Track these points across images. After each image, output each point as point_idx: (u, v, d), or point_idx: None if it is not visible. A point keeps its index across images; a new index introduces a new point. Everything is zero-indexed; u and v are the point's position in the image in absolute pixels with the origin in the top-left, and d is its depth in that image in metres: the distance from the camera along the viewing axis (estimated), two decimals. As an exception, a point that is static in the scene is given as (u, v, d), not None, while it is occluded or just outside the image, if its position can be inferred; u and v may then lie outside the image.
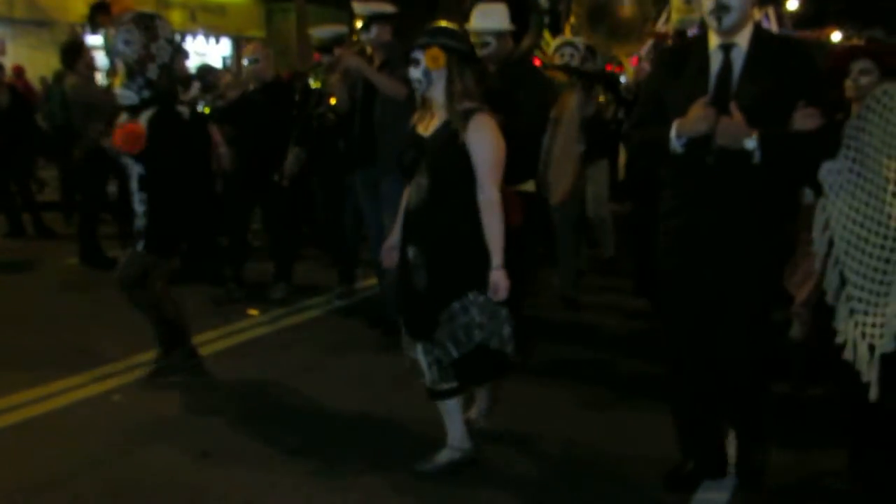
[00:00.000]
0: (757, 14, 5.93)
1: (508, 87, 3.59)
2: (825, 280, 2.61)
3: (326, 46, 4.83)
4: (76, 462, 3.00)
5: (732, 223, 2.50)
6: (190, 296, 4.75)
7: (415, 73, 2.72)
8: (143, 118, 3.53)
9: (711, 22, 2.44)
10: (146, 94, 3.53)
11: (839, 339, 2.54)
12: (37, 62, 12.68)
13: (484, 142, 2.66)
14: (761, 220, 2.52)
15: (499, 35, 3.72)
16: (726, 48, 2.47)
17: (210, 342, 4.37)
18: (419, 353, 2.80)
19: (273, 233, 5.43)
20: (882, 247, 2.45)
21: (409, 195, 2.83)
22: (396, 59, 4.01)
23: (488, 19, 3.71)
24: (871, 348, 2.46)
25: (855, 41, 3.21)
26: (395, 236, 2.94)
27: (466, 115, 2.66)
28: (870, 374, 2.46)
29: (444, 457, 2.93)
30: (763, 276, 2.57)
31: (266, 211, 5.32)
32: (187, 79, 5.13)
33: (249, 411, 3.51)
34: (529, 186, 3.78)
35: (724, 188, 2.47)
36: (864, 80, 2.97)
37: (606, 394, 3.73)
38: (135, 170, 3.60)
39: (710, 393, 2.70)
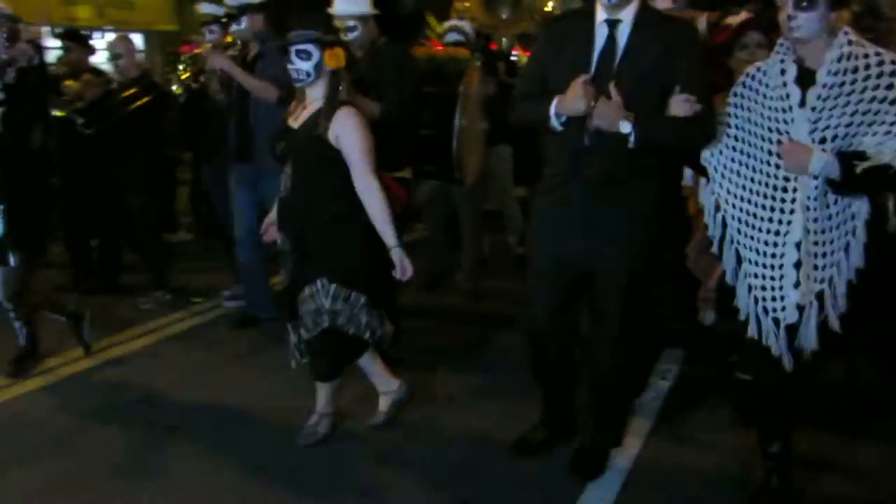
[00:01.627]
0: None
1: (375, 73, 3.47)
2: (723, 261, 2.58)
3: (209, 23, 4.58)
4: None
5: (607, 204, 2.47)
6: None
7: (303, 65, 2.69)
8: None
9: None
10: (1, 96, 3.43)
11: (741, 317, 2.54)
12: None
13: (350, 132, 2.71)
14: (638, 202, 2.48)
15: (363, 19, 3.62)
16: (611, 24, 2.40)
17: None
18: (290, 330, 2.98)
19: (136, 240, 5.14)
20: (771, 220, 2.45)
21: (283, 185, 2.87)
22: (270, 51, 3.85)
23: (352, 4, 3.60)
24: (776, 322, 2.46)
25: (744, 15, 3.20)
26: (273, 214, 3.01)
27: (333, 109, 2.71)
28: (779, 346, 2.46)
29: (382, 404, 3.19)
30: (637, 257, 2.54)
31: (139, 213, 4.94)
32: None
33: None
34: (405, 174, 3.70)
35: (600, 169, 2.43)
36: (760, 54, 2.87)
37: (501, 380, 3.65)
38: None
39: (566, 367, 2.81)
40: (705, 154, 2.54)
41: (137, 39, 16.12)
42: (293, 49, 2.69)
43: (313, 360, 2.99)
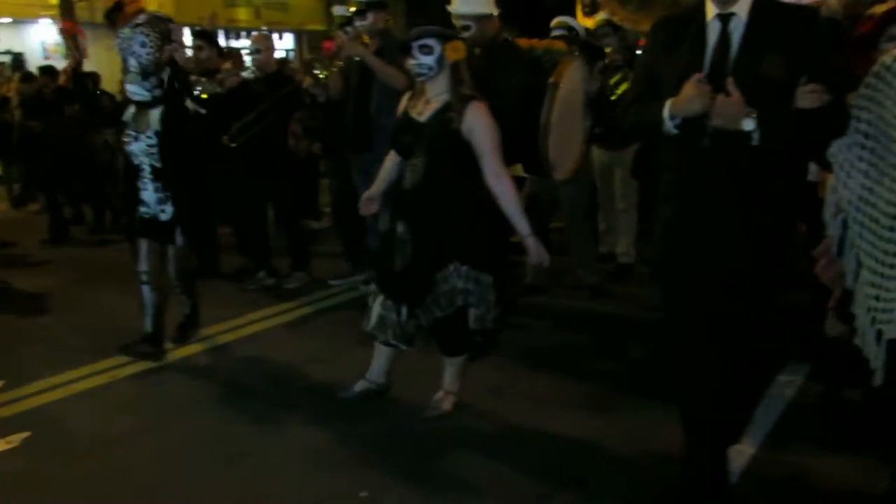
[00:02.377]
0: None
1: (490, 69, 3.51)
2: (844, 264, 2.35)
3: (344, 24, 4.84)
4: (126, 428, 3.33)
5: (730, 209, 2.28)
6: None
7: (426, 60, 2.82)
8: (154, 113, 3.76)
9: None
10: (158, 92, 3.74)
11: (856, 325, 2.31)
12: (112, 63, 13.30)
13: (483, 126, 2.82)
14: (762, 205, 2.28)
15: (479, 18, 3.66)
16: (724, 18, 2.23)
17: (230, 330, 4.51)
18: (377, 303, 3.05)
19: (284, 222, 5.41)
20: (892, 228, 2.18)
21: (404, 176, 2.98)
22: (391, 48, 3.95)
23: (470, 4, 3.64)
24: (879, 334, 2.23)
25: (890, 4, 2.81)
26: (376, 187, 3.17)
27: (464, 103, 2.81)
28: (876, 361, 2.24)
29: (359, 386, 3.35)
30: (766, 265, 2.35)
31: (275, 200, 5.29)
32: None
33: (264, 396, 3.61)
34: (516, 171, 3.72)
35: (721, 172, 2.25)
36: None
37: (614, 385, 3.57)
38: (145, 162, 3.80)
39: (711, 392, 2.45)
40: (832, 149, 2.30)
41: (289, 38, 17.22)
42: (416, 45, 2.81)
43: (444, 338, 3.15)
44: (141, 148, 3.79)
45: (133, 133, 3.81)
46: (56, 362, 4.05)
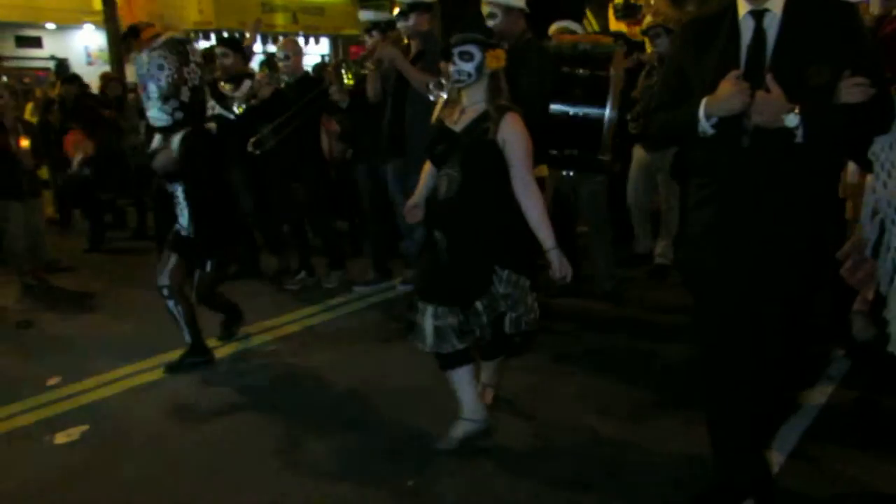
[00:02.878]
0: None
1: (515, 68, 3.41)
2: (879, 268, 2.34)
3: (370, 28, 4.88)
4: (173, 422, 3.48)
5: (772, 211, 2.19)
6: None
7: (465, 66, 2.78)
8: (176, 138, 3.77)
9: None
10: (179, 115, 3.72)
11: (890, 330, 2.31)
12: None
13: (518, 137, 2.78)
14: (805, 206, 2.19)
15: (507, 10, 3.67)
16: (757, 14, 2.17)
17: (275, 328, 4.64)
18: (427, 317, 2.89)
19: (317, 223, 5.50)
20: (932, 233, 2.15)
21: (438, 186, 2.94)
22: (433, 50, 3.96)
23: None
24: None
25: None
26: (418, 195, 3.13)
27: (500, 113, 2.78)
28: None
29: (458, 430, 3.04)
30: (808, 269, 2.25)
31: (310, 202, 5.37)
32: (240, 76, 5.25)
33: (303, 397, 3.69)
34: (542, 171, 3.73)
35: (763, 172, 2.16)
36: None
37: (639, 391, 3.58)
38: (176, 187, 3.85)
39: (745, 399, 2.38)
40: (874, 148, 2.29)
41: (325, 43, 17.40)
42: (456, 51, 2.78)
43: (491, 343, 3.06)
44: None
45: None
46: (110, 359, 4.20)
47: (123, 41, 4.27)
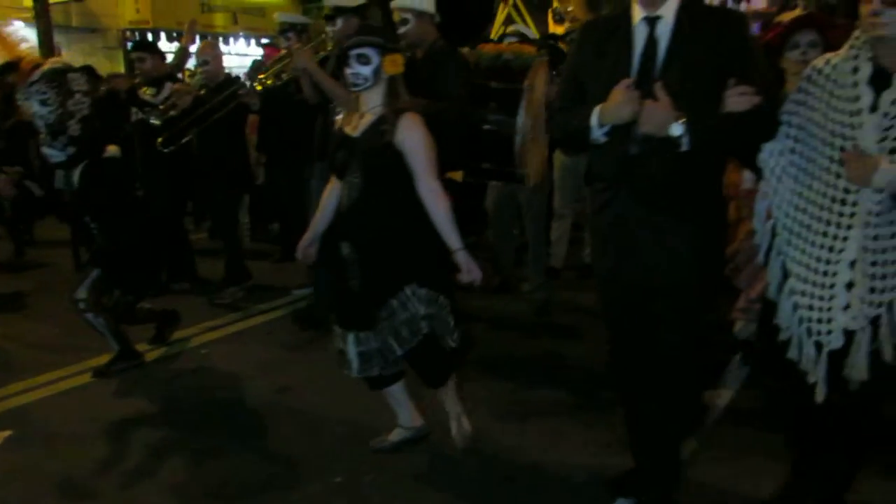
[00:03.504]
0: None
1: (429, 73, 3.53)
2: (767, 273, 2.41)
3: (286, 30, 4.82)
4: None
5: (663, 217, 2.26)
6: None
7: (362, 70, 2.68)
8: (76, 174, 3.64)
9: None
10: (71, 150, 3.55)
11: (783, 336, 2.35)
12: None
13: (416, 139, 2.68)
14: (694, 212, 2.27)
15: (419, 15, 3.68)
16: (650, 22, 2.18)
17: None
18: (350, 344, 2.83)
19: (223, 231, 5.40)
20: (825, 234, 2.24)
21: (341, 195, 2.83)
22: None
23: None
24: (818, 346, 2.27)
25: (797, 12, 2.97)
26: (312, 232, 2.99)
27: (397, 115, 2.68)
28: (817, 373, 2.27)
29: (395, 436, 3.11)
30: (699, 272, 2.31)
31: (216, 209, 5.28)
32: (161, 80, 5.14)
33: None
34: (457, 175, 3.73)
35: (651, 180, 2.23)
36: (812, 54, 2.72)
37: (555, 396, 3.61)
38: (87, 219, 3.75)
39: (649, 396, 2.48)
40: (763, 154, 2.36)
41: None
42: (353, 53, 2.68)
43: (424, 370, 2.92)
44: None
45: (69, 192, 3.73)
46: (38, 364, 4.13)
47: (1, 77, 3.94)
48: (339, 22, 4.13)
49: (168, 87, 5.00)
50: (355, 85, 2.71)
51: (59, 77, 3.47)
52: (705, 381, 3.27)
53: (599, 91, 2.21)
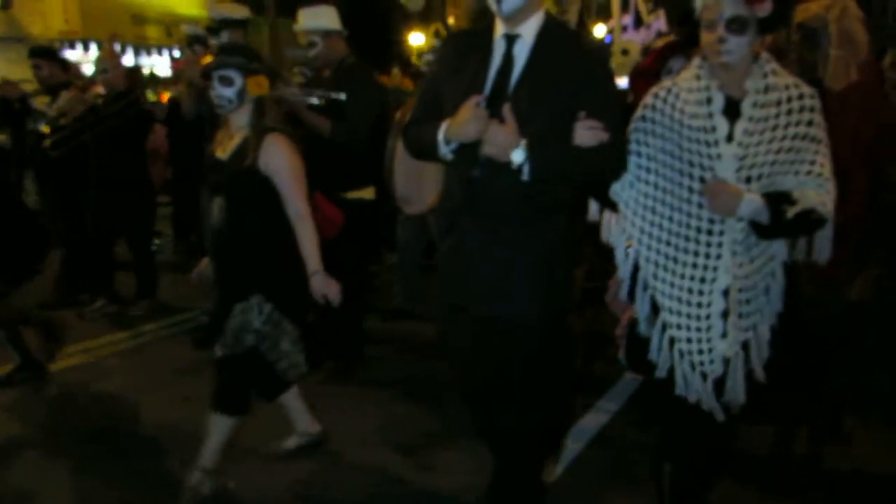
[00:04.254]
0: (649, 17, 5.67)
1: (342, 90, 3.49)
2: (636, 308, 2.30)
3: (191, 43, 4.75)
4: None
5: (503, 246, 2.11)
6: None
7: (225, 92, 2.61)
8: None
9: (492, 4, 2.06)
10: None
11: (660, 374, 2.25)
12: (14, 76, 12.79)
13: (280, 160, 2.62)
14: (538, 244, 2.12)
15: (325, 34, 3.63)
16: (510, 39, 2.10)
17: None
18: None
19: (136, 244, 5.20)
20: (695, 265, 2.17)
21: (212, 215, 2.77)
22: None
23: (315, 20, 3.64)
24: (704, 376, 2.19)
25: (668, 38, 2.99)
26: (205, 264, 2.94)
27: (259, 137, 2.62)
28: (709, 402, 2.20)
29: (293, 441, 3.11)
30: (541, 308, 2.14)
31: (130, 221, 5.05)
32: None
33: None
34: (367, 193, 3.69)
35: (491, 207, 2.09)
36: None
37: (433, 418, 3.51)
38: None
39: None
40: (615, 187, 2.25)
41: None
42: (216, 75, 2.61)
43: (219, 384, 2.74)
44: None
45: None
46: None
47: None
48: (224, 35, 4.05)
49: (63, 95, 4.82)
50: (220, 107, 2.68)
51: None
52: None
53: (453, 106, 2.08)
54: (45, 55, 5.11)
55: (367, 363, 4.10)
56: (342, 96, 3.45)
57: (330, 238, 2.96)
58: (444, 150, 2.09)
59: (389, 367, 4.18)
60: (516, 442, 2.28)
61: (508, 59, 2.10)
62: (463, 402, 2.42)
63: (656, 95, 2.19)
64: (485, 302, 2.16)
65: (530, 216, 2.10)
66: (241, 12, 4.13)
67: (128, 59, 13.56)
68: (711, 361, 2.18)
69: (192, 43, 4.72)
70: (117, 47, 6.36)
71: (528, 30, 2.10)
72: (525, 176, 2.01)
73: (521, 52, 2.09)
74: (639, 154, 2.21)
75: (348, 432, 3.31)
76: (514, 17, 2.07)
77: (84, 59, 13.13)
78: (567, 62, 2.08)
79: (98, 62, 4.95)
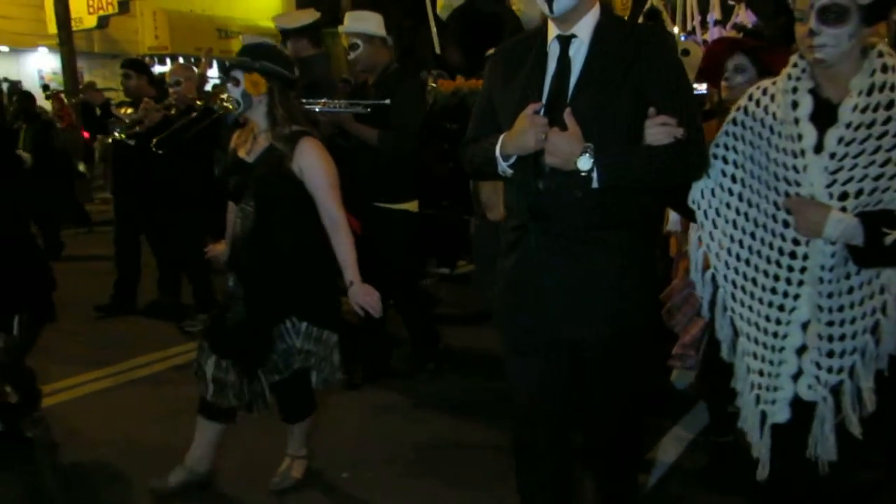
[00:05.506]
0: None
1: (386, 98, 3.42)
2: (717, 330, 2.08)
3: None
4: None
5: (576, 263, 1.93)
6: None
7: (234, 91, 2.57)
8: None
9: (542, 5, 1.90)
10: None
11: (739, 403, 2.04)
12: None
13: (315, 166, 2.53)
14: (615, 259, 1.94)
15: (368, 39, 3.58)
16: (564, 41, 1.93)
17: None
18: (209, 364, 2.66)
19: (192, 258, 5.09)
20: (774, 290, 1.93)
21: (234, 222, 2.70)
22: (318, 75, 3.84)
23: (360, 23, 3.60)
24: (763, 416, 1.96)
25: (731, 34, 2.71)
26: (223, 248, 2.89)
27: (292, 140, 2.52)
28: (759, 450, 1.97)
29: (176, 476, 2.82)
30: (621, 330, 1.97)
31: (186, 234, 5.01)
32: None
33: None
34: (411, 206, 3.61)
35: (562, 220, 1.92)
36: (738, 79, 2.46)
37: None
38: None
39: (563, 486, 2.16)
40: (694, 194, 2.03)
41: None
42: (230, 75, 2.59)
43: (283, 401, 2.83)
44: None
45: None
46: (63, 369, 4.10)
47: None
48: (289, 45, 3.99)
49: (141, 105, 4.93)
50: (234, 108, 2.62)
51: None
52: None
53: (509, 117, 1.94)
54: (135, 67, 5.29)
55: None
56: (387, 102, 3.37)
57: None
58: (503, 166, 1.95)
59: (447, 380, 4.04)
60: (606, 465, 2.14)
61: (565, 61, 1.93)
62: (520, 431, 2.20)
63: (750, 96, 1.96)
64: (555, 325, 1.99)
65: (604, 229, 1.93)
66: (302, 20, 4.06)
67: (213, 73, 14.00)
68: (773, 402, 1.94)
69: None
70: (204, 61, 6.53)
71: (584, 28, 1.93)
72: (594, 184, 1.84)
73: (579, 53, 1.92)
74: (725, 161, 1.99)
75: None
76: (568, 17, 1.91)
77: (172, 72, 13.71)
78: (628, 56, 1.89)
79: (171, 74, 5.06)
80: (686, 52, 3.89)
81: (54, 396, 3.85)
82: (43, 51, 15.22)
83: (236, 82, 2.55)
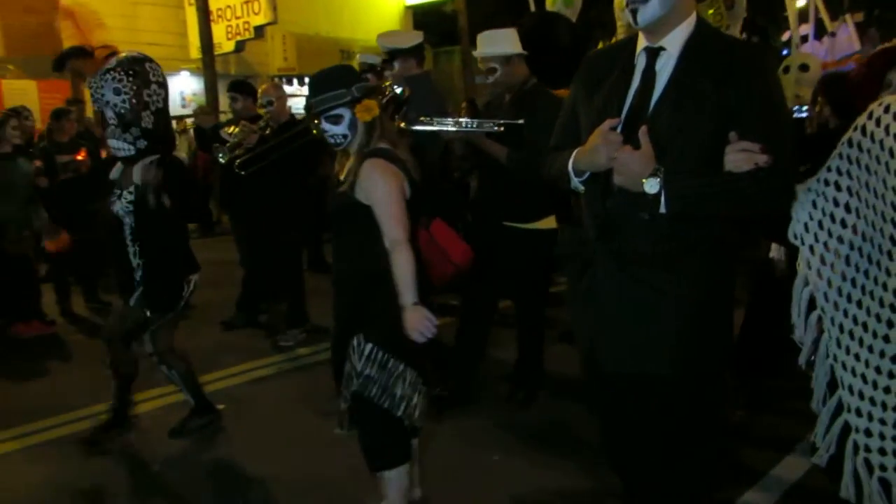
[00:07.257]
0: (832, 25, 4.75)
1: (521, 117, 3.27)
2: (813, 379, 1.85)
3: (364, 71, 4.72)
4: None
5: (641, 292, 1.80)
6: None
7: (336, 129, 2.45)
8: (137, 168, 3.26)
9: (627, 17, 1.79)
10: (142, 143, 3.22)
11: (820, 462, 1.83)
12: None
13: (374, 184, 2.43)
14: (684, 290, 1.78)
15: (505, 60, 3.44)
16: (652, 53, 1.80)
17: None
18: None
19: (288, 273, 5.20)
20: (887, 339, 1.69)
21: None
22: (419, 96, 3.79)
23: (494, 45, 3.44)
24: (885, 484, 1.71)
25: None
26: None
27: (360, 161, 2.44)
28: None
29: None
30: (685, 364, 1.82)
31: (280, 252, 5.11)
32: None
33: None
34: (549, 223, 3.48)
35: (630, 244, 1.80)
36: None
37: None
38: (127, 222, 3.32)
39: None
40: (796, 228, 1.82)
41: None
42: (323, 117, 2.45)
43: (360, 438, 2.56)
44: (123, 206, 3.28)
45: (118, 191, 3.31)
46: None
47: (56, 66, 3.46)
48: (396, 64, 3.95)
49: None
50: (336, 146, 2.51)
51: (136, 65, 3.18)
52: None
53: (587, 130, 1.85)
54: (241, 89, 5.34)
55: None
56: (520, 122, 3.22)
57: (445, 282, 2.73)
58: (576, 182, 1.88)
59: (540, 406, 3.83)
60: None
61: (649, 75, 1.80)
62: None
63: (870, 115, 1.71)
64: (621, 357, 1.87)
65: (674, 256, 1.79)
66: (411, 40, 4.05)
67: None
68: (885, 468, 1.70)
69: (365, 72, 4.74)
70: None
71: (674, 41, 1.79)
72: (661, 209, 1.71)
73: (665, 67, 1.79)
74: (838, 187, 1.76)
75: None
76: (655, 29, 1.78)
77: (299, 92, 14.33)
78: (719, 73, 1.73)
79: (263, 94, 5.06)
80: (805, 68, 3.57)
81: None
82: (185, 74, 16.39)
83: (337, 119, 2.43)
